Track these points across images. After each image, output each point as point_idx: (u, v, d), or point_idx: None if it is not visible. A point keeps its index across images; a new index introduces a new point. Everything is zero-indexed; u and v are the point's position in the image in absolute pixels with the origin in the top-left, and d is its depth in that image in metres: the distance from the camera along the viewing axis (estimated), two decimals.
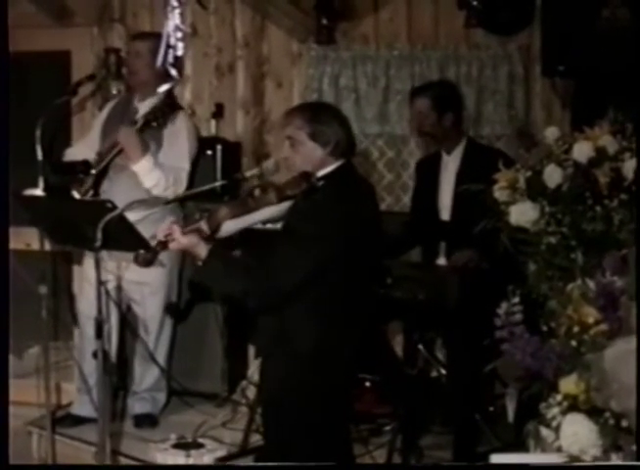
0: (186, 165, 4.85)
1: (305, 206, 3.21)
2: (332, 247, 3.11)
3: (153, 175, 4.69)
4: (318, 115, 3.29)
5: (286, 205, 3.31)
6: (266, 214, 3.45)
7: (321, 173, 3.27)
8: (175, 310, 5.11)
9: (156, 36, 4.92)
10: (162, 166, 4.74)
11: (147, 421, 4.99)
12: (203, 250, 3.15)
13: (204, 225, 3.22)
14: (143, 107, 4.87)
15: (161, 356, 5.05)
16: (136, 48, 4.93)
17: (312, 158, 3.26)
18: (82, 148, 5.03)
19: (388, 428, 4.64)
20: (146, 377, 5.06)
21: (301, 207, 3.24)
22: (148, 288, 4.87)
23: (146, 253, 3.27)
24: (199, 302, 5.32)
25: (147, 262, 3.26)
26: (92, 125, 5.19)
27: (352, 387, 3.52)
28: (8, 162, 4.01)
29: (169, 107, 4.78)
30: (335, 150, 3.25)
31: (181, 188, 4.77)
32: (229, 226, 3.41)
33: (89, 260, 4.75)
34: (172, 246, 3.21)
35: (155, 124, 4.67)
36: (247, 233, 3.73)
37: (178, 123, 4.86)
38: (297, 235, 3.18)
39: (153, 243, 3.36)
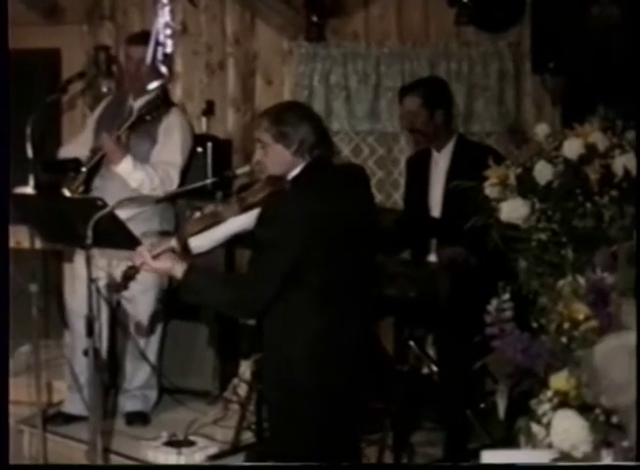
0: (178, 160, 4.85)
1: (268, 211, 3.19)
2: (298, 248, 3.07)
3: (135, 176, 4.69)
4: (281, 116, 3.24)
5: (255, 214, 3.30)
6: (237, 226, 3.44)
7: (291, 175, 3.25)
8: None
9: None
10: (151, 166, 4.75)
11: (138, 419, 4.98)
12: (178, 270, 3.15)
13: (174, 243, 3.24)
14: (138, 104, 4.87)
15: (152, 354, 5.04)
16: (138, 54, 4.89)
17: (280, 159, 3.23)
18: (76, 146, 5.02)
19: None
20: (137, 375, 5.05)
21: (265, 213, 3.22)
22: (139, 285, 4.85)
23: (118, 281, 3.30)
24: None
25: (118, 289, 3.31)
26: (86, 124, 5.18)
27: (358, 388, 3.45)
28: (9, 161, 4.00)
29: (163, 102, 4.78)
30: (299, 150, 3.20)
31: (170, 186, 4.77)
32: (201, 242, 3.41)
33: (79, 258, 4.75)
34: (145, 269, 3.24)
35: (149, 118, 4.68)
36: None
37: (172, 119, 4.87)
38: (261, 243, 3.17)
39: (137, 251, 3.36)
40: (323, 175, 3.28)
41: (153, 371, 5.06)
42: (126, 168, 4.67)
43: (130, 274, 3.27)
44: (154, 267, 3.22)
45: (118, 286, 3.30)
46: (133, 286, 4.82)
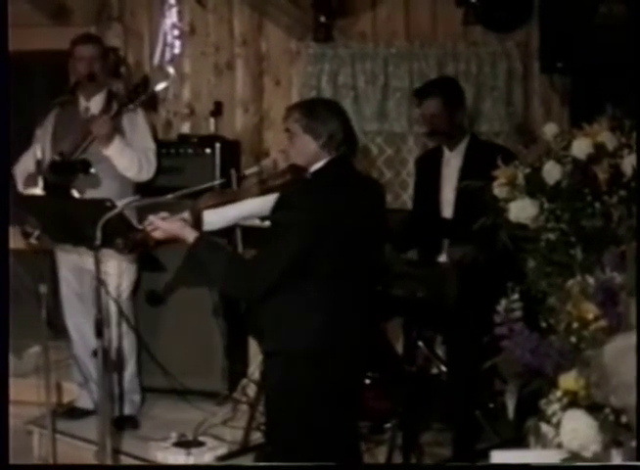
0: (152, 145, 4.96)
1: (286, 196, 3.24)
2: (309, 236, 3.10)
3: (125, 154, 4.76)
4: (314, 109, 3.33)
5: (271, 200, 3.32)
6: (252, 207, 3.44)
7: (314, 168, 3.29)
8: (156, 298, 5.11)
9: (98, 37, 5.15)
10: (133, 148, 4.83)
11: (129, 423, 4.98)
12: (190, 234, 3.20)
13: (187, 215, 3.26)
14: (94, 103, 4.93)
15: (133, 350, 5.04)
16: (87, 52, 4.92)
17: (306, 150, 3.28)
18: (33, 159, 4.94)
19: (388, 425, 4.64)
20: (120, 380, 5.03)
21: (283, 199, 3.27)
22: (110, 278, 4.78)
23: (127, 241, 3.31)
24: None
25: (123, 250, 3.32)
26: (35, 137, 5.02)
27: (358, 386, 3.47)
28: (9, 160, 4.00)
29: (144, 88, 4.75)
30: (327, 144, 3.25)
31: (153, 168, 4.89)
32: (214, 219, 3.41)
33: (63, 255, 4.81)
34: (156, 234, 3.27)
35: (131, 107, 4.69)
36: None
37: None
38: (274, 226, 3.22)
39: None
40: (344, 173, 3.33)
41: (135, 373, 5.07)
42: (117, 148, 4.72)
43: (137, 239, 3.28)
44: (165, 228, 3.25)
45: (124, 246, 3.29)
46: (109, 278, 4.74)
